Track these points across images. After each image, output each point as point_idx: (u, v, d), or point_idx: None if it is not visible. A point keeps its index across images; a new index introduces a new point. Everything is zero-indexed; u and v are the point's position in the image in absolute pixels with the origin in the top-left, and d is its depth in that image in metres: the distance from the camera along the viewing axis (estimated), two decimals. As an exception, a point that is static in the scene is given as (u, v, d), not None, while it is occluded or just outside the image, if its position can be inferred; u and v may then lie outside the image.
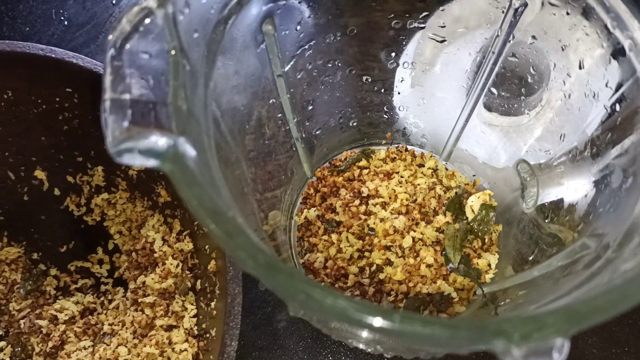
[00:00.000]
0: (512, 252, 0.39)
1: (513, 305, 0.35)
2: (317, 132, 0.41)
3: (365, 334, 0.27)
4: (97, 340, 0.39)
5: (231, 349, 0.32)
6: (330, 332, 0.35)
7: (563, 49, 0.32)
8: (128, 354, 0.37)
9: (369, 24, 0.35)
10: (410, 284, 0.38)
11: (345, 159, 0.44)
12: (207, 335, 0.36)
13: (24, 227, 0.43)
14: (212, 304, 0.36)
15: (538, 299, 0.30)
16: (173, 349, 0.37)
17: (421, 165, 0.43)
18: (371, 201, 0.40)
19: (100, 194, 0.43)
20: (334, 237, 0.40)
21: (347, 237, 0.40)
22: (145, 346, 0.37)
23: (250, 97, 0.32)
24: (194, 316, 0.38)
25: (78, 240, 0.43)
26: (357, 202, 0.41)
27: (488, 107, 0.39)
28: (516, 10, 0.32)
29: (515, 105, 0.38)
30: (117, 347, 0.38)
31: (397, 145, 0.44)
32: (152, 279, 0.39)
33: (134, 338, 0.38)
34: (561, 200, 0.34)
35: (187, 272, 0.40)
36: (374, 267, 0.38)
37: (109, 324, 0.39)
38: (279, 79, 0.34)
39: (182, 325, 0.38)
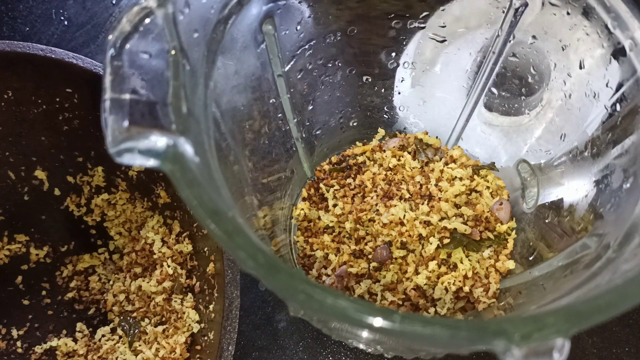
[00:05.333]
0: (513, 252, 0.39)
1: (514, 305, 0.35)
2: (317, 132, 0.41)
3: (365, 334, 0.27)
4: None
5: (228, 354, 0.32)
6: (330, 333, 0.35)
7: (563, 49, 0.32)
8: None
9: (369, 24, 0.35)
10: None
11: (346, 157, 0.44)
12: (205, 338, 0.36)
13: (24, 227, 0.43)
14: (211, 306, 0.36)
15: (538, 299, 0.30)
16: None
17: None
18: (371, 200, 0.40)
19: (101, 195, 0.43)
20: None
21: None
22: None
23: (250, 97, 0.32)
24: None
25: (78, 240, 0.43)
26: (357, 200, 0.40)
27: (488, 107, 0.39)
28: (517, 10, 0.32)
29: (516, 105, 0.38)
30: None
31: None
32: (149, 283, 0.39)
33: None
34: (561, 200, 0.34)
35: (183, 271, 0.40)
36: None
37: None
38: (279, 79, 0.34)
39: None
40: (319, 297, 0.18)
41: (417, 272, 0.38)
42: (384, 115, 0.43)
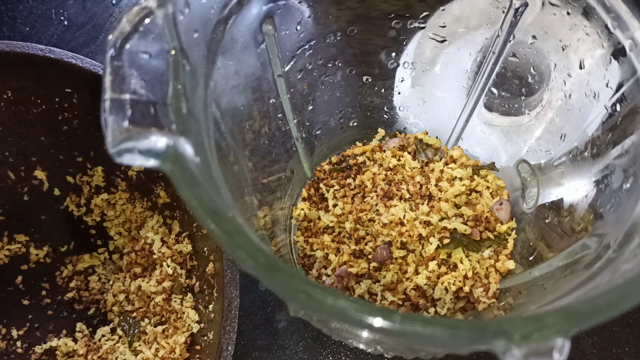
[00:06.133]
0: (513, 252, 0.39)
1: (514, 305, 0.35)
2: (317, 132, 0.41)
3: (365, 334, 0.27)
4: None
5: (227, 354, 0.32)
6: (330, 333, 0.35)
7: (563, 49, 0.32)
8: None
9: (369, 24, 0.35)
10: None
11: (346, 157, 0.44)
12: (205, 338, 0.36)
13: (24, 227, 0.43)
14: (210, 306, 0.36)
15: (538, 299, 0.30)
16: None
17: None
18: (371, 200, 0.40)
19: (100, 195, 0.43)
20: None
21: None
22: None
23: (250, 97, 0.32)
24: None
25: (78, 240, 0.43)
26: (357, 200, 0.40)
27: (488, 107, 0.39)
28: (517, 10, 0.32)
29: (516, 106, 0.38)
30: None
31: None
32: (148, 283, 0.39)
33: None
34: (561, 201, 0.34)
35: (183, 271, 0.40)
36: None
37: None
38: (279, 79, 0.34)
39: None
40: (319, 297, 0.18)
41: (417, 272, 0.38)
42: (384, 115, 0.43)
